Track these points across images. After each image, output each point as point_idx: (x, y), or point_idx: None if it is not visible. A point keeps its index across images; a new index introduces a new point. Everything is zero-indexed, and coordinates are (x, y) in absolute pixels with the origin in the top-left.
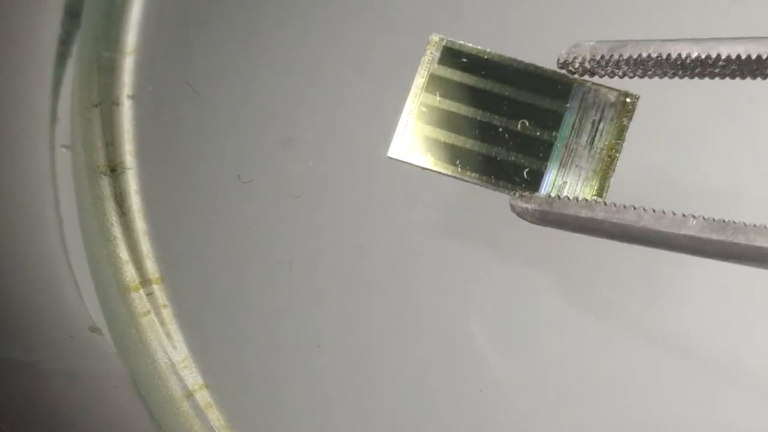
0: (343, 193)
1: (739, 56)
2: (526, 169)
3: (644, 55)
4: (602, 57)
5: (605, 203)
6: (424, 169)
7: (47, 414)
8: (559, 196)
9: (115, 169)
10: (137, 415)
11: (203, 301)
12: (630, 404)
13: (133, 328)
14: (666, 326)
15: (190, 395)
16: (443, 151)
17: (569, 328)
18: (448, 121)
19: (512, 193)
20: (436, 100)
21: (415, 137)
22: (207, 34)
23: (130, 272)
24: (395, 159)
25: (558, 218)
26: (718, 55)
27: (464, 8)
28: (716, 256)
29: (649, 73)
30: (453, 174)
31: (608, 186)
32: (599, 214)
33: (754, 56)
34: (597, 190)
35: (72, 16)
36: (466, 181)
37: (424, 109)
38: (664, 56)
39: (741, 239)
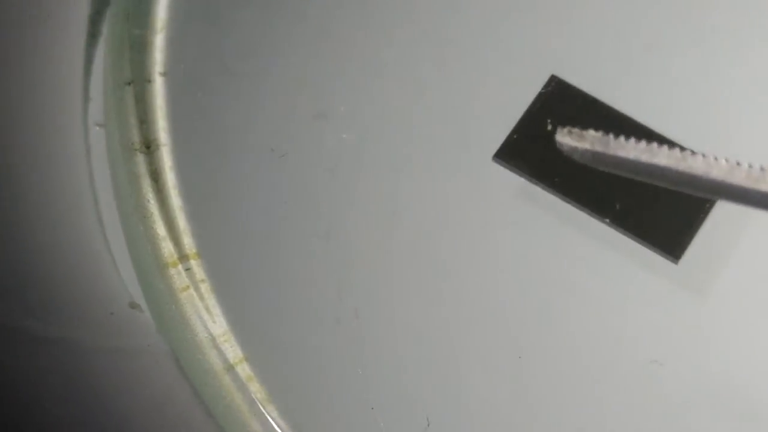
0: (376, 164)
1: None
2: None
3: None
4: None
5: (669, 147)
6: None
7: (89, 391)
8: (615, 135)
9: (149, 146)
10: (179, 389)
11: (241, 275)
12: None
13: (172, 304)
14: None
15: (230, 368)
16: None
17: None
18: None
19: (561, 128)
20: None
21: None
22: (238, 9)
23: (167, 248)
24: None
25: (613, 161)
26: None
27: None
28: None
29: None
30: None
31: None
32: (662, 160)
33: None
34: None
35: None
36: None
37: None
38: None
39: None
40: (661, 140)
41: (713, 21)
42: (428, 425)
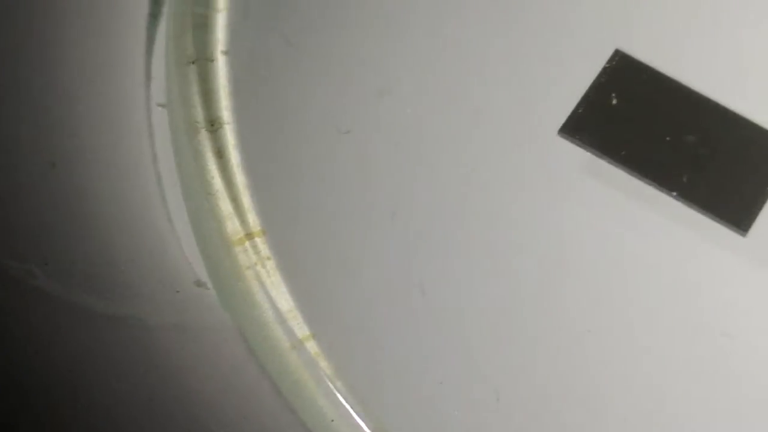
0: (440, 140)
1: None
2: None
3: None
4: None
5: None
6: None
7: (155, 369)
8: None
9: (213, 125)
10: (247, 366)
11: (306, 253)
12: None
13: (238, 282)
14: None
15: (298, 345)
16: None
17: None
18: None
19: None
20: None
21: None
22: None
23: (232, 226)
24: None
25: None
26: None
27: None
28: None
29: None
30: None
31: None
32: None
33: None
34: None
35: None
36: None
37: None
38: None
39: None
40: (729, 115)
41: None
42: (498, 399)
